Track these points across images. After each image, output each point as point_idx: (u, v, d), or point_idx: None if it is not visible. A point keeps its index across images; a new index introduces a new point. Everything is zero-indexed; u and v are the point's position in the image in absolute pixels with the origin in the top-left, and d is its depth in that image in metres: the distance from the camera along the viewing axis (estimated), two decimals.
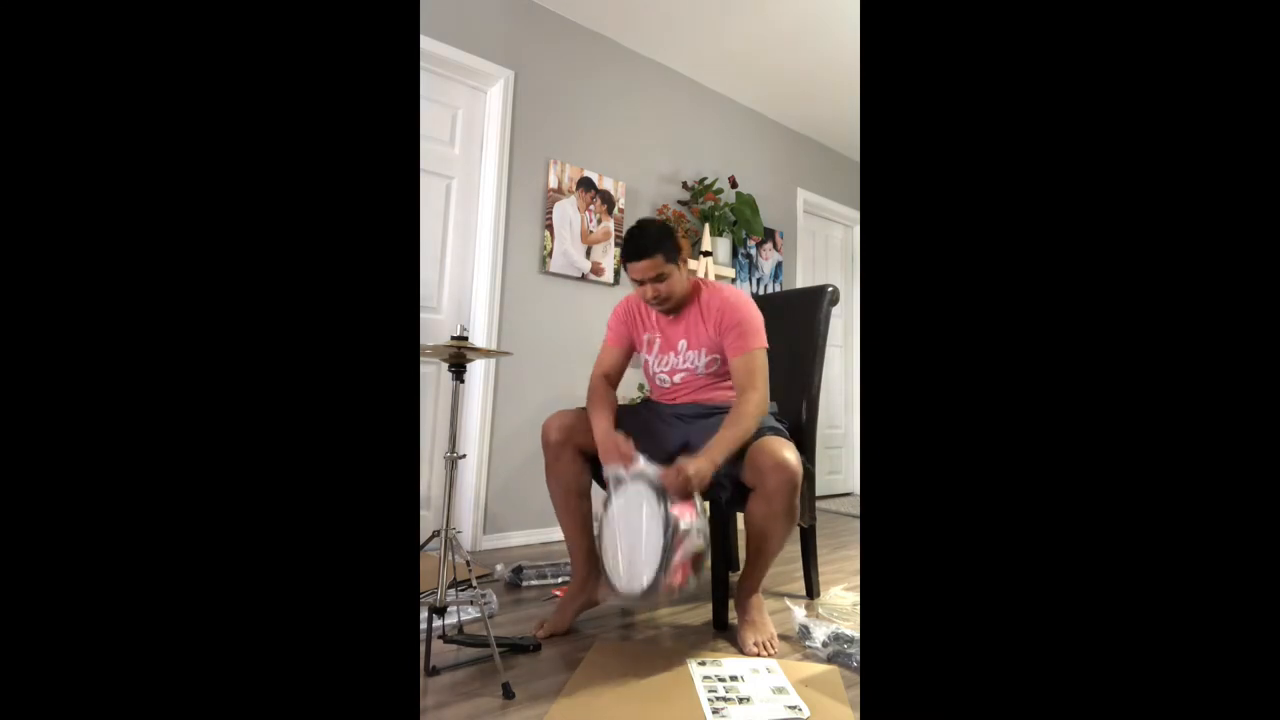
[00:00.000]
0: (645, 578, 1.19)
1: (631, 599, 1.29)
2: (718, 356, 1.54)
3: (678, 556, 1.20)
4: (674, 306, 1.55)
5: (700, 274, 2.73)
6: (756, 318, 1.51)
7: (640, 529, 1.24)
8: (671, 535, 1.19)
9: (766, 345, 1.50)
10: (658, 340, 1.59)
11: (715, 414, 1.51)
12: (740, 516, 2.33)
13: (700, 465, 1.30)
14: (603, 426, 1.45)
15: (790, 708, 1.12)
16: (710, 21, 2.71)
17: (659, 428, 1.57)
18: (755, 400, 1.42)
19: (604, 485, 1.56)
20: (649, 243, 1.44)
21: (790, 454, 1.35)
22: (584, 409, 1.54)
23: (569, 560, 1.94)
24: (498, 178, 2.45)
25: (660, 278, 1.46)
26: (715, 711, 1.09)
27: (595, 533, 1.37)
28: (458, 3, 2.38)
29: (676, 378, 1.58)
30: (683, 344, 1.56)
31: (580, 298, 2.68)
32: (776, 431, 1.49)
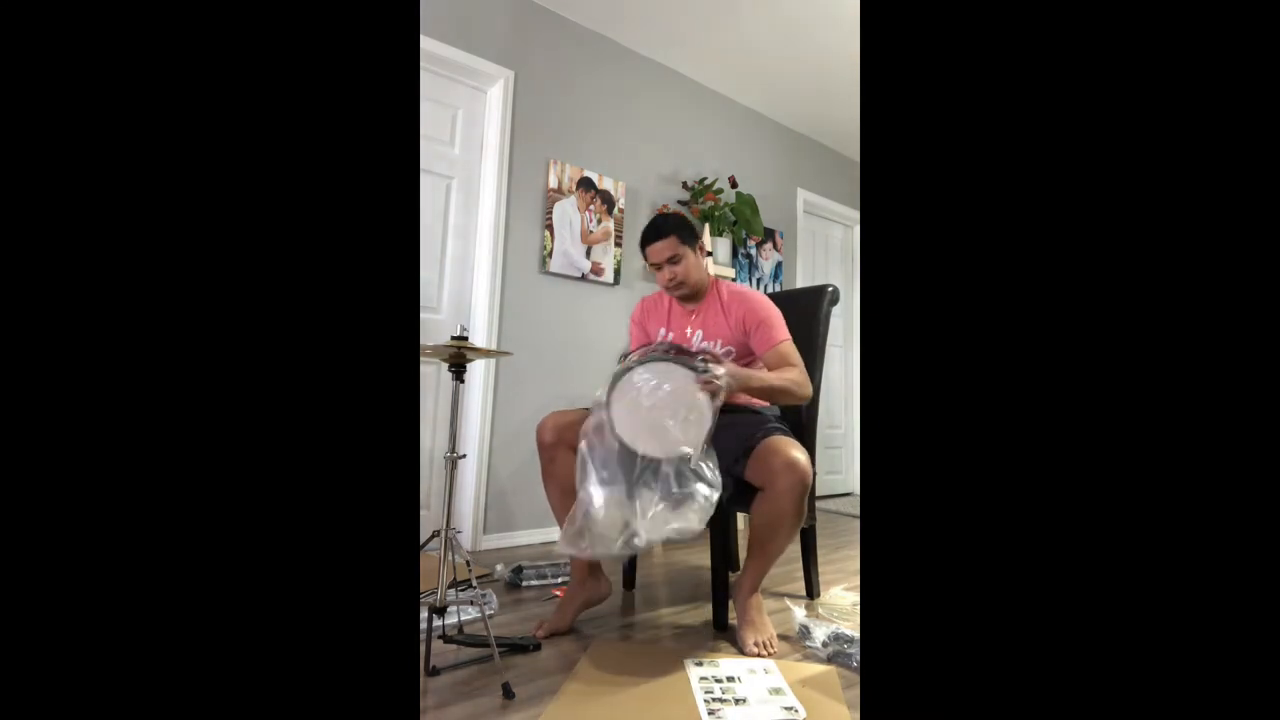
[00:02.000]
0: (689, 446, 1.24)
1: (671, 459, 1.26)
2: (733, 349, 1.57)
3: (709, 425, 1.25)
4: (690, 295, 1.59)
5: None
6: (778, 314, 1.57)
7: (675, 399, 1.28)
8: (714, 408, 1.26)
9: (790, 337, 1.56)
10: (670, 334, 1.62)
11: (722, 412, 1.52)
12: (740, 516, 2.34)
13: (730, 372, 1.34)
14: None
15: (786, 709, 1.11)
16: (710, 21, 2.71)
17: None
18: (794, 373, 1.48)
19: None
20: (666, 226, 1.54)
21: (800, 454, 1.35)
22: (580, 409, 1.53)
23: (569, 560, 1.95)
24: (498, 178, 2.45)
25: (675, 259, 1.53)
26: (711, 713, 1.09)
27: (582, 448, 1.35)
28: (458, 3, 2.38)
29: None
30: (698, 335, 1.59)
31: (580, 298, 2.68)
32: (783, 431, 1.49)
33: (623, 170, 2.85)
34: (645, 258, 1.58)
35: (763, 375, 1.47)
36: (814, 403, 1.74)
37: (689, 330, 1.60)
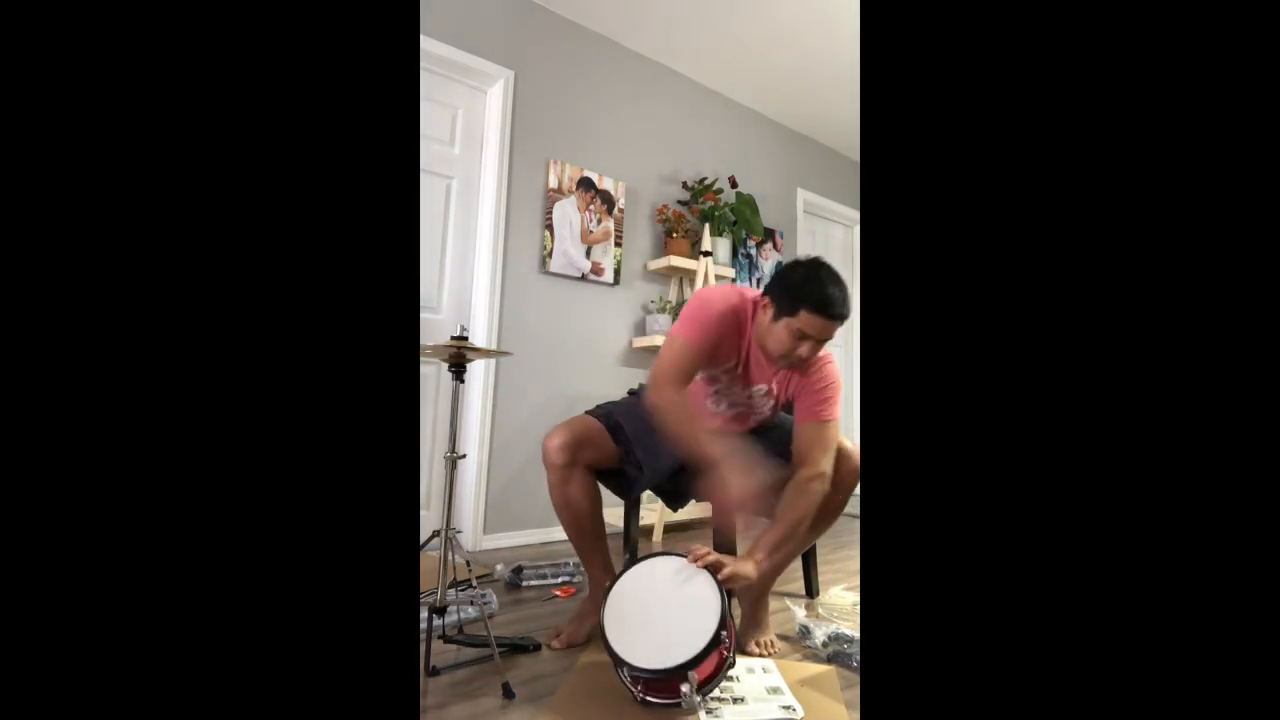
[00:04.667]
0: (681, 654, 1.04)
1: (647, 672, 1.05)
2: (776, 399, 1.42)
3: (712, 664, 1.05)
4: None
5: (700, 274, 2.73)
6: (840, 384, 1.34)
7: (690, 602, 1.11)
8: (721, 628, 1.06)
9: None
10: (742, 370, 1.38)
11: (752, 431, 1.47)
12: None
13: (743, 570, 1.16)
14: (733, 460, 1.18)
15: (785, 708, 1.11)
16: (710, 21, 2.71)
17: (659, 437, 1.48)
18: (820, 481, 1.26)
19: (617, 491, 1.48)
20: (849, 304, 1.21)
21: (849, 444, 1.36)
22: (581, 418, 1.42)
23: (569, 561, 1.95)
24: (498, 178, 2.45)
25: (830, 339, 1.25)
26: (709, 711, 1.09)
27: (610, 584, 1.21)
28: (458, 3, 2.38)
29: (727, 410, 1.44)
30: (762, 388, 1.39)
31: (580, 298, 2.68)
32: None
33: (623, 170, 2.85)
34: (798, 323, 1.19)
35: (782, 530, 1.23)
36: None
37: (760, 378, 1.38)
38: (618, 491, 1.52)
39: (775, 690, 1.18)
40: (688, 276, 2.98)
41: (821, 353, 1.32)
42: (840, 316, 1.20)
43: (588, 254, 2.70)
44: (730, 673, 1.24)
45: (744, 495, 1.16)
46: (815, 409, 1.30)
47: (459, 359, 1.24)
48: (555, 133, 2.64)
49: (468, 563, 1.43)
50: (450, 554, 1.22)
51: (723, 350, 1.35)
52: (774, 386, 1.38)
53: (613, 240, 2.78)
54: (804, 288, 1.20)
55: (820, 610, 1.70)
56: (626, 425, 1.43)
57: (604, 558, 1.45)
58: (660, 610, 1.14)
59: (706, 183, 3.04)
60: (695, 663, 1.03)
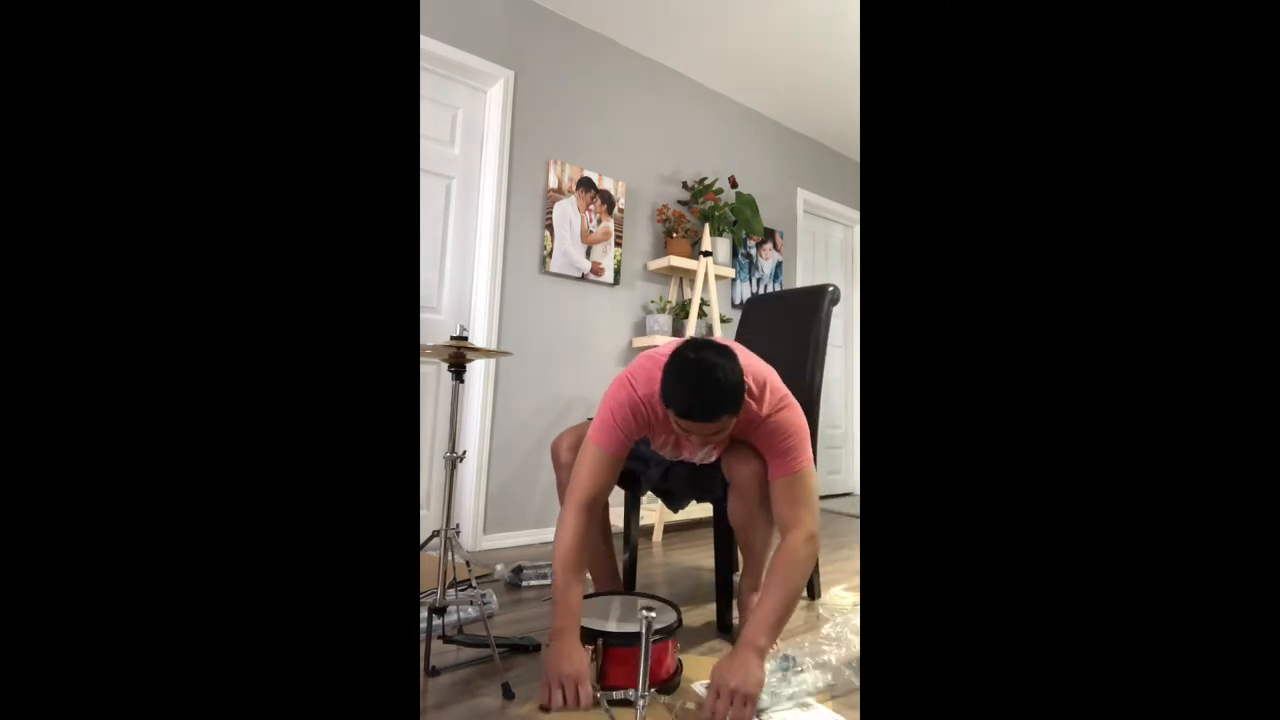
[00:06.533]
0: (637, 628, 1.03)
1: None
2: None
3: None
4: None
5: (700, 274, 2.74)
6: (806, 428, 1.23)
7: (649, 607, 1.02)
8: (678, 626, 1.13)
9: (813, 462, 1.24)
10: (673, 442, 1.34)
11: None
12: None
13: (749, 676, 1.01)
14: (565, 618, 1.08)
15: None
16: (710, 21, 2.71)
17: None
18: (810, 543, 1.14)
19: (624, 486, 1.53)
20: (724, 403, 1.06)
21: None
22: (589, 422, 1.42)
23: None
24: (498, 178, 2.45)
25: (721, 431, 1.12)
26: None
27: None
28: (458, 3, 2.38)
29: (673, 456, 1.42)
30: (702, 453, 1.34)
31: (580, 298, 2.69)
32: None
33: (623, 170, 2.85)
34: (675, 422, 1.11)
35: (773, 607, 1.10)
36: (814, 403, 1.74)
37: (696, 449, 1.31)
38: (625, 486, 1.57)
39: (804, 705, 1.13)
40: (688, 276, 2.98)
41: (780, 399, 1.22)
42: (700, 413, 1.05)
43: (588, 254, 2.70)
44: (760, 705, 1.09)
45: (551, 675, 1.05)
46: (785, 464, 1.19)
47: (459, 359, 1.24)
48: (555, 133, 2.64)
49: (468, 563, 1.44)
50: (450, 554, 1.22)
51: (650, 434, 1.30)
52: (714, 451, 1.34)
53: (613, 240, 2.78)
54: (668, 391, 1.09)
55: (820, 610, 1.70)
56: None
57: (611, 565, 1.50)
58: (622, 608, 1.29)
59: (706, 183, 3.04)
60: (660, 634, 1.13)
